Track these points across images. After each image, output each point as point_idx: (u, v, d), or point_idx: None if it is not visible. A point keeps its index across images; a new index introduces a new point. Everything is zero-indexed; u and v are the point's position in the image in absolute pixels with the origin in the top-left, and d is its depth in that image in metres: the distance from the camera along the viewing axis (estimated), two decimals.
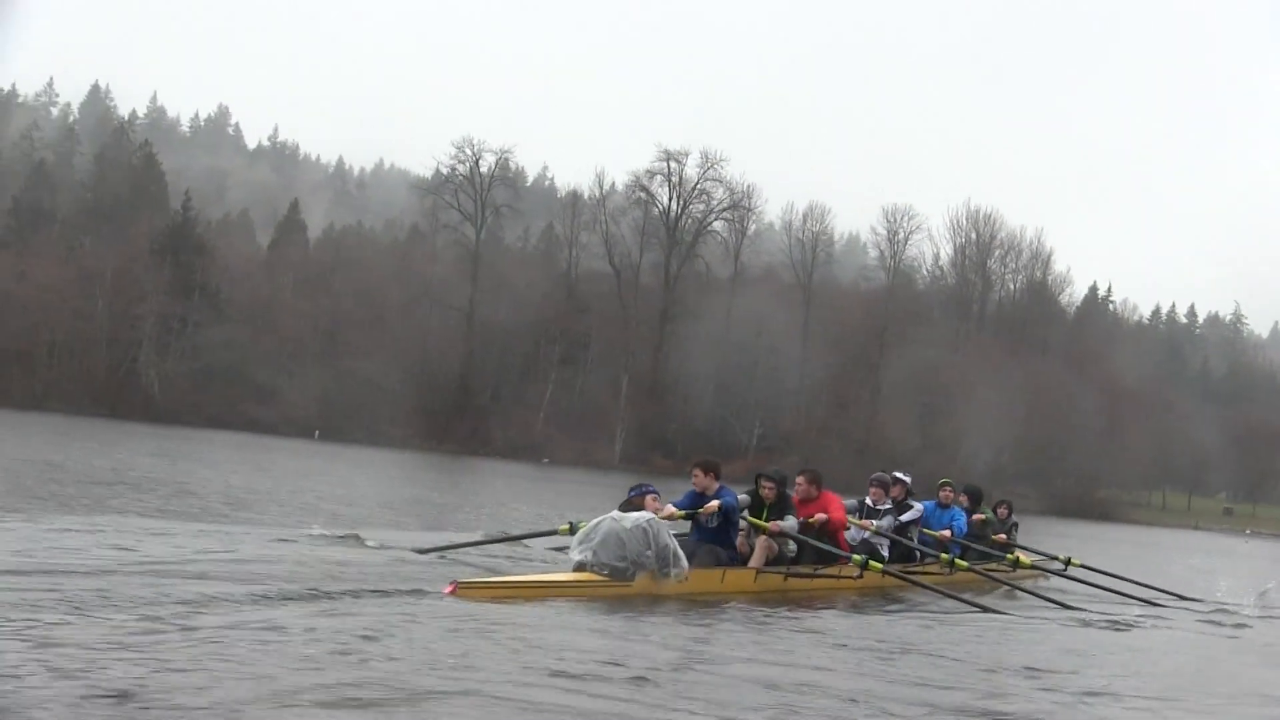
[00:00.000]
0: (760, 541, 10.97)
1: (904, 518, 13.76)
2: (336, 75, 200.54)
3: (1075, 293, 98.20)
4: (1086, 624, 10.52)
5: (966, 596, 11.31)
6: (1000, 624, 10.07)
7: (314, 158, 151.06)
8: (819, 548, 11.27)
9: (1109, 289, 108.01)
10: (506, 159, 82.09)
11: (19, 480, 18.74)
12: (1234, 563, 37.86)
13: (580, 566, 9.23)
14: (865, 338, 79.25)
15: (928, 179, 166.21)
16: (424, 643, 6.27)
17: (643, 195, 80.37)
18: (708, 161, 79.12)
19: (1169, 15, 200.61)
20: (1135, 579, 14.47)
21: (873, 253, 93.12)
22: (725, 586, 10.26)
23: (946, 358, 77.92)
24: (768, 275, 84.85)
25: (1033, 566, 14.94)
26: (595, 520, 9.50)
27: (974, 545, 14.58)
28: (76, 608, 6.31)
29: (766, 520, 11.04)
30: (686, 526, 10.90)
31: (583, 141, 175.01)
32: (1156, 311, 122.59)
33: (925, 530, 14.18)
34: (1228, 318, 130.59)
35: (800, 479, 11.98)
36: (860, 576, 11.12)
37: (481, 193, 79.87)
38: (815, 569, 11.31)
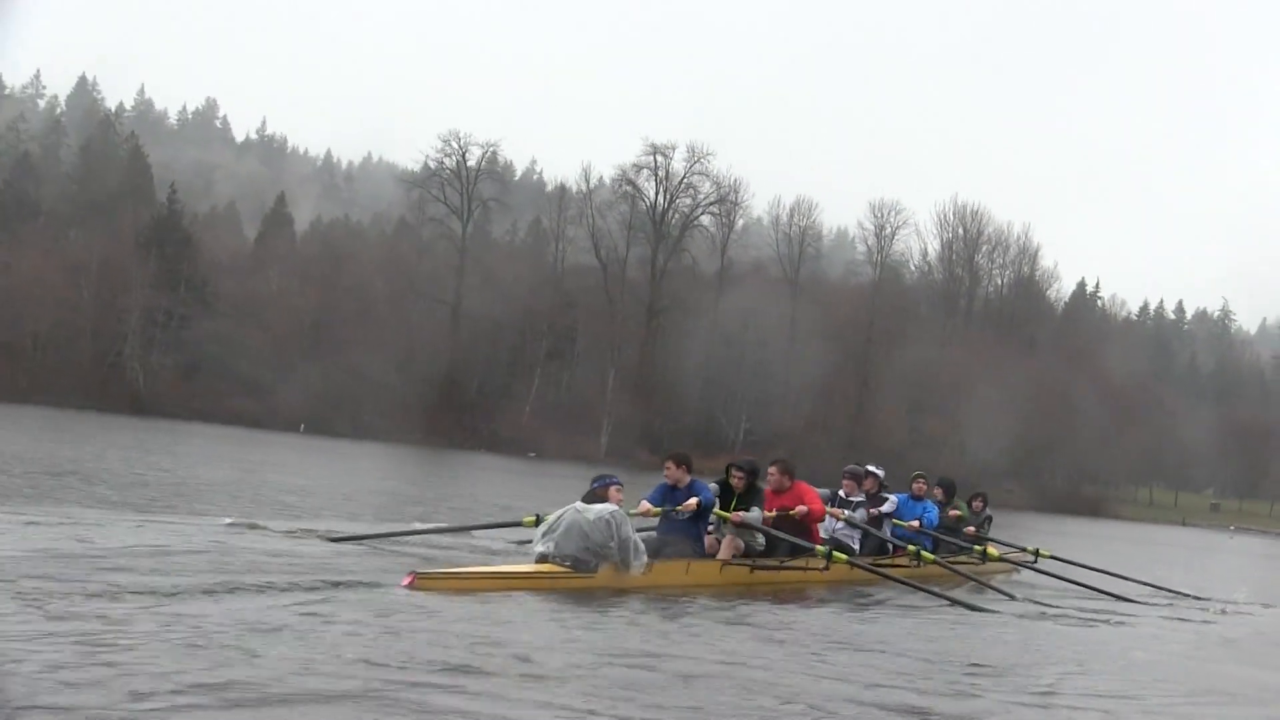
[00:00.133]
0: (726, 539, 10.83)
1: (881, 509, 13.71)
2: (327, 68, 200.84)
3: (1063, 288, 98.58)
4: (1045, 617, 10.47)
5: (933, 589, 11.19)
6: (957, 617, 9.96)
7: (303, 151, 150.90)
8: (789, 540, 11.06)
9: (1097, 285, 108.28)
10: (494, 153, 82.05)
11: None
12: (1217, 559, 37.95)
13: (543, 558, 9.14)
14: (853, 333, 79.19)
15: (916, 174, 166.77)
16: (362, 635, 6.14)
17: (629, 189, 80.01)
18: (694, 155, 79.04)
19: (1169, 15, 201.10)
20: (1105, 569, 14.47)
21: (860, 248, 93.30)
22: (690, 579, 10.15)
23: (935, 353, 77.94)
24: (756, 270, 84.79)
25: (1002, 559, 14.92)
26: (558, 512, 9.41)
27: (944, 538, 14.57)
28: None
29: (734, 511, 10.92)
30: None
31: (578, 139, 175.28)
32: (1145, 307, 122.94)
33: (898, 522, 14.14)
34: (1216, 314, 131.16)
35: (772, 469, 11.81)
36: (826, 569, 10.94)
37: (468, 186, 79.62)
38: (782, 562, 11.18)
